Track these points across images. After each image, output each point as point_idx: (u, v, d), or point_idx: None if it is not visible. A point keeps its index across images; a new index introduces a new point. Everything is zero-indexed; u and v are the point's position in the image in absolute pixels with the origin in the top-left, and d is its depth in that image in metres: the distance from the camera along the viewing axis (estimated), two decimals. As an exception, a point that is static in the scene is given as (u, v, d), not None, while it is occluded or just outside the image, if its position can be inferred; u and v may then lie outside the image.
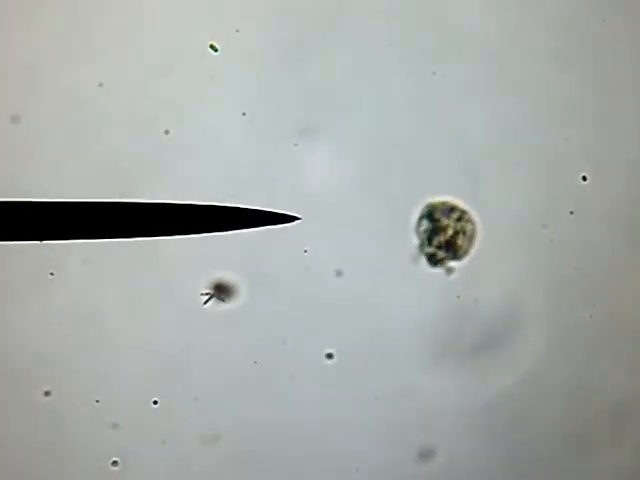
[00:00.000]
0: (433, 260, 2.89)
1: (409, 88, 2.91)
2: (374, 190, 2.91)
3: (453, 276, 2.93)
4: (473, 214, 2.93)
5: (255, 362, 2.90)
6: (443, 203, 2.92)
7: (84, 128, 2.83)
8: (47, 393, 2.84)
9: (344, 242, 2.91)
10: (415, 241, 2.92)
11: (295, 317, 2.91)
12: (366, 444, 2.96)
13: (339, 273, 2.90)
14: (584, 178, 2.94)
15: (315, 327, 2.92)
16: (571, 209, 2.94)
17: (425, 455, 2.97)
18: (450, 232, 2.92)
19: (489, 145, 2.93)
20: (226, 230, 2.82)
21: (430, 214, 2.91)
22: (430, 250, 2.89)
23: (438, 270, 2.93)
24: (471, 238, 2.93)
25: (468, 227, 2.92)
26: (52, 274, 2.82)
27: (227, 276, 2.87)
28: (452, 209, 2.93)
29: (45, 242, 2.76)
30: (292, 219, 2.84)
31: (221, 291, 2.86)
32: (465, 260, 2.95)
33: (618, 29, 2.94)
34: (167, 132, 2.85)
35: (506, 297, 2.94)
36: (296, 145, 2.88)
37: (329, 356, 2.91)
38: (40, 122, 2.82)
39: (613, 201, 2.95)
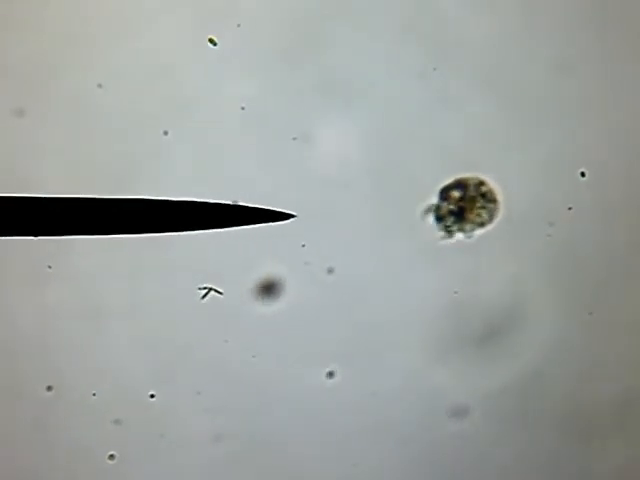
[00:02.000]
0: (440, 220, 2.88)
1: (410, 84, 2.92)
2: (374, 187, 2.91)
3: (450, 271, 2.93)
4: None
5: (253, 356, 2.90)
6: (481, 182, 2.92)
7: (84, 128, 2.85)
8: (49, 388, 2.84)
9: (343, 239, 2.91)
10: (417, 234, 2.92)
11: (295, 314, 2.91)
12: (365, 440, 2.94)
13: (336, 270, 2.90)
14: (583, 174, 2.93)
15: (315, 324, 2.91)
16: (570, 205, 2.94)
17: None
18: (470, 201, 2.91)
19: (487, 142, 2.93)
20: (223, 227, 2.82)
21: (463, 185, 2.91)
22: (445, 214, 2.89)
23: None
24: (481, 218, 2.92)
25: (488, 208, 2.91)
26: (50, 267, 2.84)
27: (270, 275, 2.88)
28: (482, 183, 2.92)
29: (40, 238, 2.77)
30: (288, 217, 2.84)
31: (269, 290, 2.86)
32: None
33: (620, 29, 2.95)
34: (166, 133, 2.86)
35: (504, 292, 2.94)
36: (295, 139, 2.89)
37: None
38: (41, 121, 2.84)
39: (612, 197, 2.95)
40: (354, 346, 2.93)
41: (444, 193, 2.92)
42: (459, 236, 2.93)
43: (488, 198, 2.93)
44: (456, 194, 2.93)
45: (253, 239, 2.86)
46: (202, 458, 2.90)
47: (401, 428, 2.96)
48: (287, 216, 2.84)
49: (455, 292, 2.93)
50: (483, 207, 2.93)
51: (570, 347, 2.97)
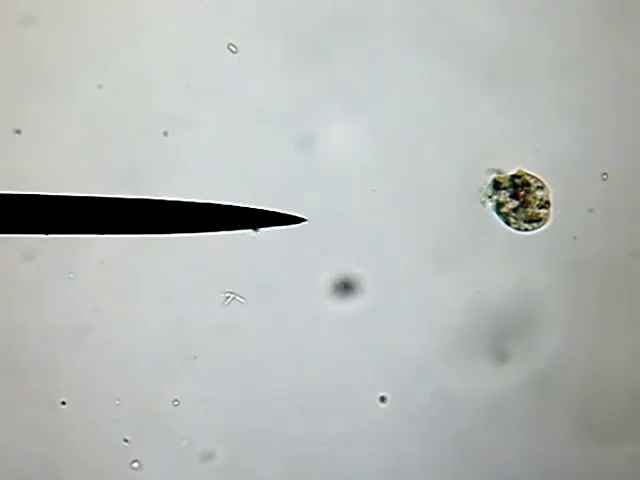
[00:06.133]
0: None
1: (427, 90, 2.89)
2: (388, 188, 2.90)
3: (470, 273, 2.93)
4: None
5: (272, 363, 2.91)
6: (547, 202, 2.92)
7: (84, 128, 2.82)
8: (65, 395, 2.85)
9: (363, 244, 2.90)
10: (434, 235, 2.92)
11: (316, 316, 2.91)
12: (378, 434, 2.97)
13: (358, 274, 2.90)
14: (604, 176, 2.92)
15: (338, 325, 2.92)
16: (591, 207, 2.92)
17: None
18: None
19: (505, 144, 2.92)
20: (232, 229, 2.82)
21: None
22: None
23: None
24: (524, 206, 2.92)
25: (537, 211, 2.92)
26: (71, 275, 2.83)
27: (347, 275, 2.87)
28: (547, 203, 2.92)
29: (50, 236, 2.77)
30: (301, 220, 2.83)
31: (347, 288, 2.85)
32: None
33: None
34: (165, 134, 2.83)
35: (525, 292, 2.94)
36: (307, 145, 2.87)
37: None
38: (41, 120, 2.81)
39: (633, 199, 2.93)
40: (375, 350, 2.94)
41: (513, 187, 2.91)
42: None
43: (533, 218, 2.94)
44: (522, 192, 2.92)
45: (261, 243, 2.86)
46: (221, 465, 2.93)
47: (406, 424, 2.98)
48: (299, 220, 2.83)
49: (477, 292, 2.94)
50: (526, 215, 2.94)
51: (588, 346, 2.99)
